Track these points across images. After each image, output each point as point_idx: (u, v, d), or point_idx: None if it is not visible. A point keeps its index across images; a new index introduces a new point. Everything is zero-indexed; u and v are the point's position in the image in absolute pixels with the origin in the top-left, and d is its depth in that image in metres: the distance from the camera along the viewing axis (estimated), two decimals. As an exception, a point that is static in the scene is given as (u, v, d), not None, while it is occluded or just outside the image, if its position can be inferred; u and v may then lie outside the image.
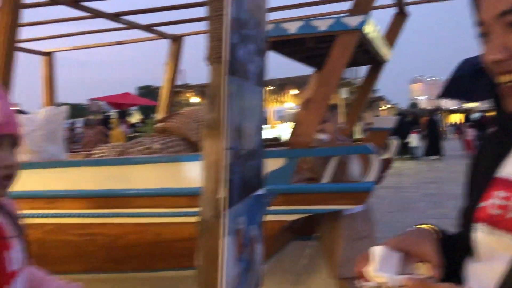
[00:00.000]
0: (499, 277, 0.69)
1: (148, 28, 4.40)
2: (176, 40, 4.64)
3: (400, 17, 3.86)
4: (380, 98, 19.35)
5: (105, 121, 15.63)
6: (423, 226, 0.85)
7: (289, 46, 3.00)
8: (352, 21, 2.49)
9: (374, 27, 2.91)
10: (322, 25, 2.60)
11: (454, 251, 0.80)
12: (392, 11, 3.88)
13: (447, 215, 5.82)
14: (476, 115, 19.28)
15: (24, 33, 3.75)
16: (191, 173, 2.85)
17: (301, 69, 12.93)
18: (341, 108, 10.75)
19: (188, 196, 2.81)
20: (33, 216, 2.96)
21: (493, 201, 0.73)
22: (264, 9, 1.73)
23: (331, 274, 2.91)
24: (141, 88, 50.52)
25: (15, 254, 1.04)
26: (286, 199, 2.51)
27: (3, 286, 1.00)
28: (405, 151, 14.91)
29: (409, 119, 16.98)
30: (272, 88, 13.02)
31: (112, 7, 4.16)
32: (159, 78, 4.83)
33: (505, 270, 0.68)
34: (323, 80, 2.46)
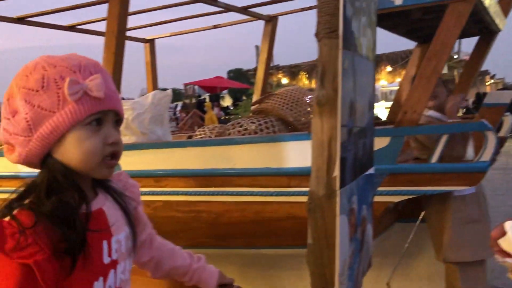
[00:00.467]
0: None
1: (244, 10, 4.44)
2: (271, 20, 4.64)
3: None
4: (485, 72, 17.82)
5: (200, 105, 16.25)
6: None
7: (393, 19, 2.85)
8: (467, -12, 2.29)
9: (490, -7, 2.66)
10: (434, -5, 2.43)
11: None
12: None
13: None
14: None
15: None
16: (291, 153, 2.85)
17: (394, 45, 12.32)
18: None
19: (288, 176, 2.83)
20: (143, 194, 3.17)
21: None
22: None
23: (437, 257, 2.78)
24: (230, 71, 51.64)
25: (117, 243, 1.00)
26: (391, 179, 2.42)
27: (99, 277, 0.95)
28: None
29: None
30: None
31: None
32: (249, 61, 4.88)
33: None
34: (433, 53, 2.30)
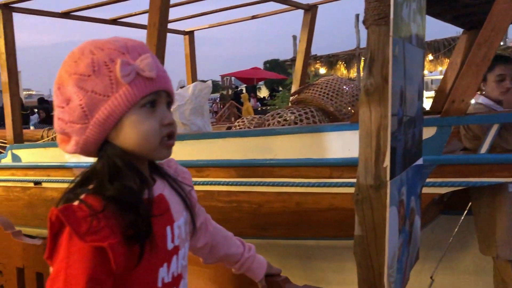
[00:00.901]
0: None
1: (283, -1, 4.41)
2: (310, 9, 4.57)
3: None
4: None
5: (236, 96, 16.32)
6: None
7: (440, 5, 2.76)
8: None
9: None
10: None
11: None
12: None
13: None
14: None
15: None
16: (332, 143, 2.82)
17: (435, 33, 11.93)
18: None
19: (330, 167, 2.80)
20: (184, 184, 3.23)
21: None
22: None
23: (484, 252, 2.69)
24: (267, 62, 51.48)
25: (178, 228, 1.00)
26: (438, 170, 2.35)
27: (163, 263, 0.95)
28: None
29: None
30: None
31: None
32: (286, 51, 4.83)
33: None
34: (483, 39, 2.21)
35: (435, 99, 3.77)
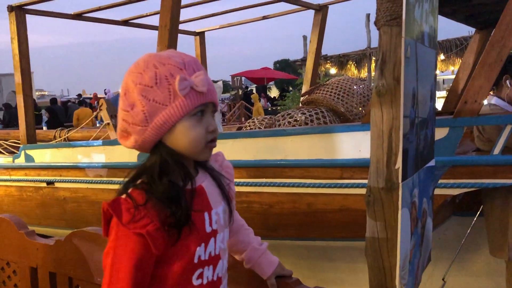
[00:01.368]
0: None
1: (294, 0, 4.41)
2: (321, 10, 4.56)
3: None
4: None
5: (247, 96, 16.33)
6: None
7: (453, 4, 2.73)
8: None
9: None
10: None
11: None
12: None
13: None
14: None
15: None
16: (343, 144, 2.81)
17: (447, 33, 11.83)
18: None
19: (341, 167, 2.79)
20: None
21: None
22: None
23: (495, 254, 2.66)
24: (277, 62, 51.44)
25: (216, 215, 1.14)
26: (450, 171, 2.33)
27: (201, 243, 1.09)
28: None
29: None
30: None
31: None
32: (296, 52, 4.84)
33: None
34: (497, 38, 2.18)
35: (447, 100, 3.74)
